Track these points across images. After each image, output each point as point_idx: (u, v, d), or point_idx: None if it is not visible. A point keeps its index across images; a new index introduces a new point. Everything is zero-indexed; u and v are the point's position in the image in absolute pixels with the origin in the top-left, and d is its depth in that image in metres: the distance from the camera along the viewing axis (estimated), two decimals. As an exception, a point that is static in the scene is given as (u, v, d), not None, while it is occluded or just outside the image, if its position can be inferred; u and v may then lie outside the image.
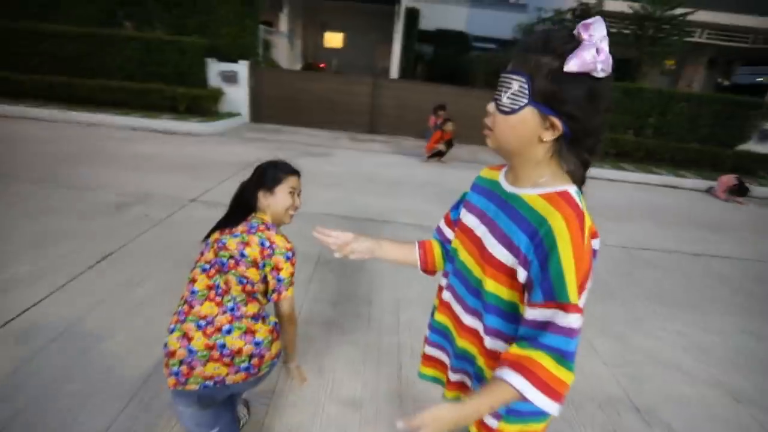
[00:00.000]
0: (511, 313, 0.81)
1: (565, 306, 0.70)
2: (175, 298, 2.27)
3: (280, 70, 8.89)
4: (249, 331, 1.22)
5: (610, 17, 9.51)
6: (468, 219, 0.94)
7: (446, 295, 0.99)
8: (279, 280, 1.29)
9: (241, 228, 1.30)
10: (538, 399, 0.70)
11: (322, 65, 13.07)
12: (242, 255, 1.26)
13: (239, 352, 1.20)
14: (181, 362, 1.16)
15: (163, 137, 6.46)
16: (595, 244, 0.75)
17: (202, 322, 1.19)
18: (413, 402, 1.83)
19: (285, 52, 11.29)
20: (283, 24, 11.34)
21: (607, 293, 3.07)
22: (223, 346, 1.18)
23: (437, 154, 6.65)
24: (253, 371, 1.22)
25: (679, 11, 8.49)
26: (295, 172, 1.43)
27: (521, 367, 0.71)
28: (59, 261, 2.62)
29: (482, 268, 0.84)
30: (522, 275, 0.76)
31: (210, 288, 1.25)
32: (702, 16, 9.32)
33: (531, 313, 0.74)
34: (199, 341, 1.17)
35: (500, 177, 0.90)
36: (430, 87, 8.58)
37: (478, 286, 0.86)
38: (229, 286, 1.26)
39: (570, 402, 1.92)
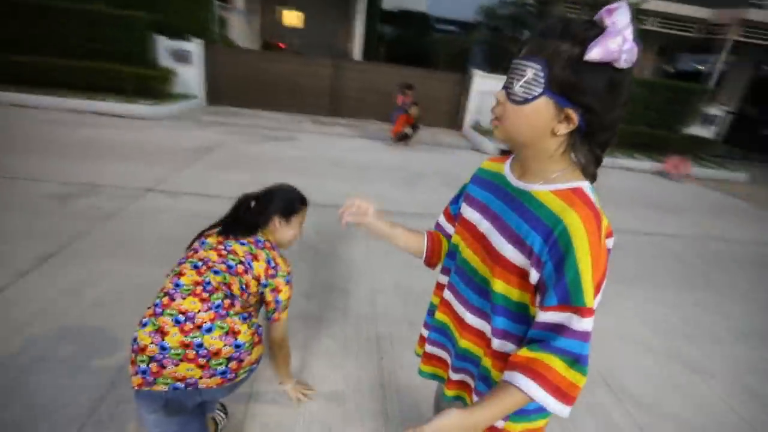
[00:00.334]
0: (520, 314, 0.79)
1: (580, 310, 0.68)
2: (135, 301, 2.13)
3: (238, 50, 8.39)
4: (231, 332, 1.14)
5: (567, 3, 9.73)
6: (469, 213, 0.90)
7: (447, 295, 0.95)
8: (277, 302, 1.29)
9: (247, 239, 1.29)
10: (550, 403, 0.68)
11: (281, 45, 12.53)
12: (250, 266, 1.24)
13: (217, 353, 1.11)
14: (150, 359, 1.07)
15: (111, 121, 5.96)
16: (609, 243, 0.72)
17: (181, 317, 1.10)
18: (397, 393, 1.82)
19: (241, 31, 10.69)
20: (239, 0, 10.70)
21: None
22: (200, 345, 1.09)
23: (403, 138, 6.60)
24: (229, 375, 1.15)
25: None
26: (308, 204, 1.48)
27: (532, 371, 0.69)
28: (-4, 262, 2.36)
29: (490, 268, 0.80)
30: (534, 277, 0.73)
31: (198, 284, 1.16)
32: (654, 5, 9.74)
33: (544, 317, 0.71)
34: (174, 337, 1.08)
35: (505, 170, 0.86)
36: (393, 69, 8.44)
37: (485, 286, 0.82)
38: (229, 287, 1.19)
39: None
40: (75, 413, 1.52)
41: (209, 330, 1.11)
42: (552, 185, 0.74)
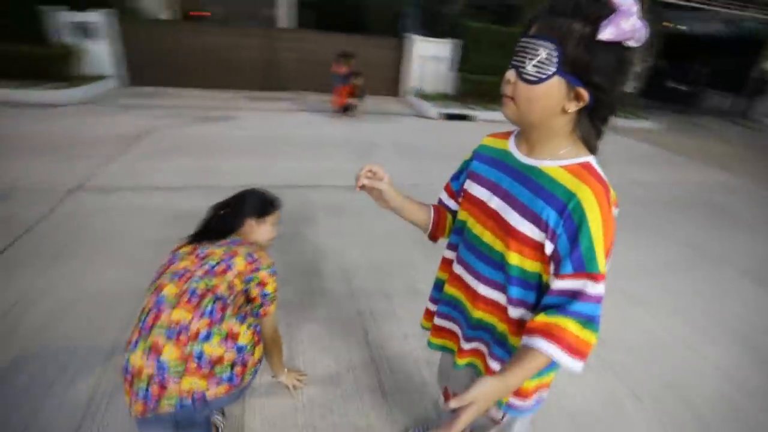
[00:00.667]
0: (534, 283, 0.83)
1: (594, 276, 0.73)
2: (95, 310, 1.95)
3: (154, 22, 7.51)
4: (230, 336, 1.10)
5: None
6: (477, 190, 0.91)
7: (458, 269, 0.97)
8: (264, 295, 1.25)
9: (221, 241, 1.25)
10: (567, 361, 0.74)
11: (204, 14, 11.44)
12: (230, 264, 1.18)
13: (220, 360, 1.07)
14: (150, 381, 1.00)
15: (12, 111, 5.16)
16: (615, 212, 0.77)
17: (174, 330, 1.03)
18: (389, 366, 1.87)
19: (158, 0, 9.55)
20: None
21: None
22: (201, 354, 1.04)
23: (347, 109, 6.44)
24: (236, 381, 1.11)
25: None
26: (281, 206, 1.46)
27: (551, 335, 0.74)
28: None
29: (505, 243, 0.83)
30: (549, 248, 0.77)
31: (182, 293, 1.09)
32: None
33: (560, 284, 0.75)
34: (171, 352, 1.01)
35: (510, 146, 0.87)
36: (328, 37, 8.07)
37: (500, 260, 0.85)
38: (216, 290, 1.13)
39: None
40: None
41: (207, 337, 1.06)
42: (561, 161, 0.78)
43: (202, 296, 1.10)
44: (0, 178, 3.28)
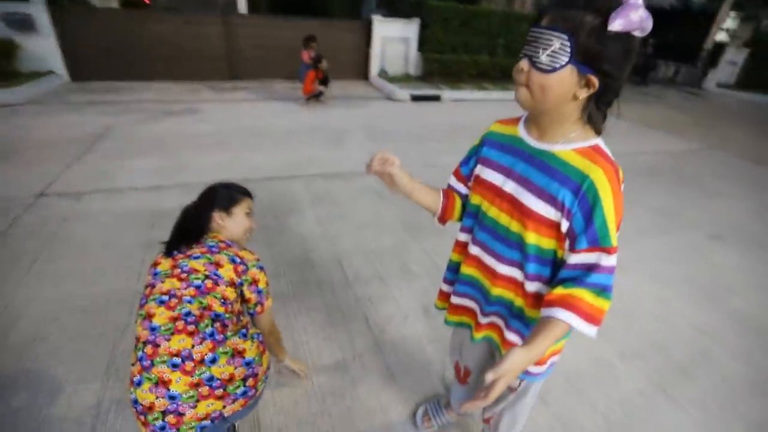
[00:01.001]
0: (549, 259, 0.89)
1: (608, 249, 0.79)
2: (81, 326, 1.87)
3: (96, 11, 6.97)
4: (237, 353, 1.09)
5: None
6: (489, 175, 0.95)
7: (475, 250, 1.01)
8: (259, 292, 1.24)
9: (198, 250, 1.19)
10: (584, 328, 0.80)
11: (146, 1, 10.73)
12: (217, 276, 1.14)
13: (231, 379, 1.06)
14: (164, 413, 0.99)
15: (-54, 116, 4.73)
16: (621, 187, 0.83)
17: (177, 360, 1.01)
18: (392, 348, 1.92)
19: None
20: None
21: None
22: (211, 378, 1.02)
23: (317, 96, 6.32)
24: (251, 393, 1.11)
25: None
26: (250, 194, 1.41)
27: (569, 305, 0.80)
28: None
29: (522, 224, 0.88)
30: (565, 226, 0.82)
31: (176, 319, 1.05)
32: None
33: (576, 258, 0.81)
34: (180, 383, 0.99)
35: (521, 132, 0.91)
36: (290, 22, 7.80)
37: (517, 240, 0.90)
38: (211, 309, 1.10)
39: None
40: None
41: (214, 360, 1.04)
42: (572, 144, 0.83)
43: (199, 318, 1.07)
44: (-51, 190, 3.04)
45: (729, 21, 13.24)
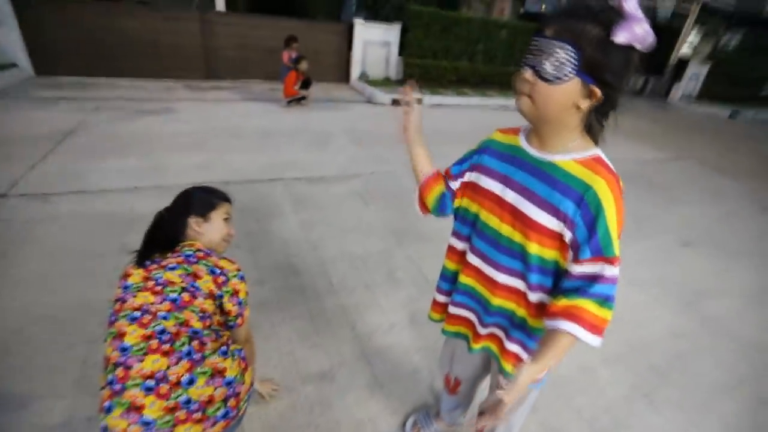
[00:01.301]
0: (551, 269, 0.89)
1: (611, 260, 0.79)
2: (49, 338, 1.75)
3: (63, 1, 6.65)
4: (217, 372, 1.02)
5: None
6: (487, 183, 0.94)
7: (474, 260, 1.00)
8: (239, 304, 1.17)
9: (174, 260, 1.11)
10: (589, 338, 0.80)
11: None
12: (195, 287, 1.07)
13: (210, 401, 0.99)
14: None
15: None
16: None
17: (151, 382, 0.94)
18: (379, 357, 1.89)
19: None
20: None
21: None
22: (188, 401, 0.96)
23: (299, 100, 6.22)
24: (232, 414, 1.05)
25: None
26: (228, 198, 1.34)
27: (572, 316, 0.80)
28: None
29: (524, 234, 0.87)
30: (567, 236, 0.82)
31: (149, 337, 0.98)
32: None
33: (579, 269, 0.81)
34: (154, 407, 0.92)
35: (521, 142, 0.91)
36: (271, 21, 7.67)
37: (519, 250, 0.89)
38: (188, 325, 1.03)
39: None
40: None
41: (191, 382, 0.97)
42: (572, 154, 0.83)
43: (175, 336, 1.00)
44: None
45: (693, 36, 13.96)
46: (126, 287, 1.08)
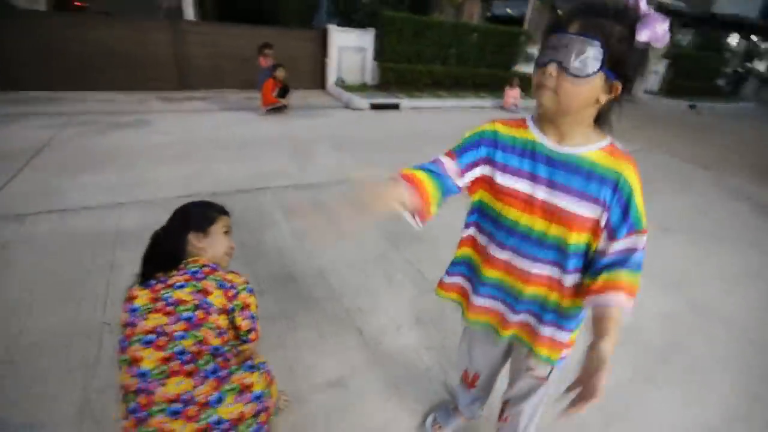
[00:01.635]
0: (585, 252, 0.92)
1: (642, 232, 0.85)
2: (33, 376, 1.66)
3: (21, 13, 6.35)
4: (245, 388, 1.00)
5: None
6: (513, 182, 0.94)
7: (502, 254, 1.00)
8: (251, 318, 1.15)
9: (180, 278, 1.08)
10: (629, 303, 0.84)
11: (78, 3, 9.99)
12: (207, 304, 1.04)
13: (241, 418, 0.97)
14: None
15: None
16: None
17: (178, 406, 0.91)
18: (391, 359, 1.88)
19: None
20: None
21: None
22: (219, 421, 0.93)
23: (279, 109, 6.15)
24: (264, 430, 1.03)
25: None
26: (226, 211, 1.32)
27: (618, 288, 0.84)
28: None
29: (564, 226, 0.90)
30: (603, 220, 0.86)
31: (168, 359, 0.95)
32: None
33: (617, 245, 0.86)
34: (184, 431, 0.89)
35: (536, 136, 0.92)
36: (243, 29, 7.57)
37: (556, 242, 0.92)
38: (207, 342, 1.00)
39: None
40: None
41: (220, 400, 0.95)
42: (593, 146, 0.88)
43: (197, 355, 0.97)
44: None
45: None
46: (133, 310, 1.04)
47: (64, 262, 2.34)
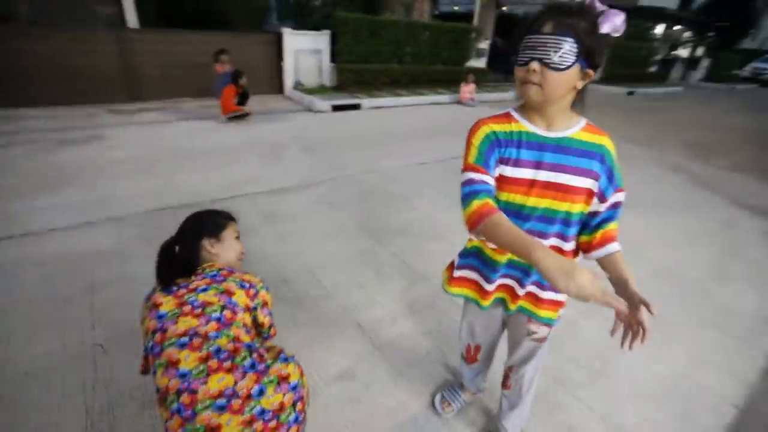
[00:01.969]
0: (581, 218, 1.07)
1: (622, 189, 1.04)
2: (23, 412, 1.59)
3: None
4: (282, 379, 1.06)
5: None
6: (516, 172, 1.03)
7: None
8: (270, 314, 1.23)
9: (201, 282, 1.13)
10: (619, 246, 1.04)
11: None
12: (233, 303, 1.10)
13: (281, 407, 1.02)
14: None
15: None
16: None
17: (222, 401, 0.94)
18: (390, 346, 1.97)
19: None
20: None
21: (455, 200, 3.75)
22: (263, 411, 0.98)
23: (240, 117, 6.02)
24: (301, 418, 1.09)
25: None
26: (234, 218, 1.38)
27: (613, 238, 1.04)
28: None
29: (567, 200, 1.02)
30: (595, 188, 1.02)
31: (206, 359, 0.99)
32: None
33: (606, 203, 1.04)
34: (231, 424, 0.93)
35: (526, 126, 1.02)
36: (192, 36, 7.32)
37: (561, 216, 1.05)
38: (240, 340, 1.06)
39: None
40: None
41: (261, 392, 1.00)
42: (576, 127, 1.02)
43: (234, 352, 1.02)
44: None
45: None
46: (160, 316, 1.06)
47: (38, 288, 2.22)
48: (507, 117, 1.06)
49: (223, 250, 1.26)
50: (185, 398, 0.93)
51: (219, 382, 0.96)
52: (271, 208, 3.36)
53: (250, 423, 0.95)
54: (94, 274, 2.33)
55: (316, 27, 8.69)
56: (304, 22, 9.14)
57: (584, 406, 1.72)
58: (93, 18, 8.16)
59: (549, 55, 0.88)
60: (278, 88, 8.58)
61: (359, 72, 8.64)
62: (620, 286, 0.95)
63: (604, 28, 0.89)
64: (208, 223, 1.28)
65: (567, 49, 0.87)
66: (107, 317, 2.03)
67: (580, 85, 0.95)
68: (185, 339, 1.00)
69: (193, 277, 1.14)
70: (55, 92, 6.31)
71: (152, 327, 1.05)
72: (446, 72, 9.85)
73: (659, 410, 1.73)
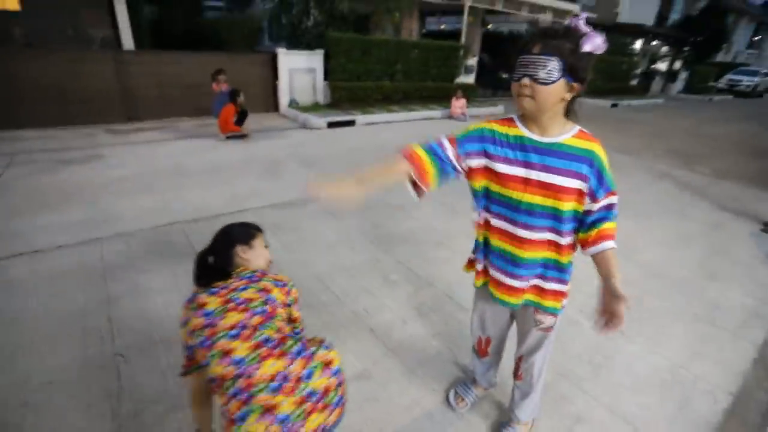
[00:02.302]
0: (574, 216, 1.18)
1: (614, 192, 1.15)
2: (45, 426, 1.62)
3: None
4: (326, 364, 1.15)
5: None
6: (511, 170, 1.18)
7: (507, 226, 1.25)
8: (299, 311, 1.31)
9: (239, 282, 1.22)
10: (615, 244, 1.15)
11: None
12: (272, 299, 1.20)
13: (327, 390, 1.11)
14: None
15: None
16: None
17: (276, 383, 1.03)
18: (402, 347, 2.05)
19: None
20: None
21: (451, 209, 3.87)
22: (312, 392, 1.07)
23: (240, 137, 6.13)
24: (343, 401, 1.17)
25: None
26: (261, 229, 1.45)
27: (608, 236, 1.15)
28: None
29: (556, 199, 1.15)
30: (585, 188, 1.14)
31: (257, 347, 1.08)
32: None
33: (599, 204, 1.15)
34: (286, 404, 1.02)
35: (524, 132, 1.17)
36: (188, 57, 7.48)
37: (551, 211, 1.17)
38: (283, 331, 1.15)
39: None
40: None
41: (309, 375, 1.08)
42: (568, 134, 1.15)
43: (282, 340, 1.11)
44: None
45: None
46: (207, 314, 1.14)
47: (53, 302, 2.27)
48: (510, 122, 1.22)
49: (254, 257, 1.34)
50: (241, 382, 1.01)
51: (272, 366, 1.04)
52: (275, 220, 3.44)
53: (300, 404, 1.03)
54: (108, 287, 2.38)
55: (309, 46, 8.92)
56: (298, 41, 9.36)
57: (590, 397, 1.82)
58: (89, 40, 8.30)
59: (537, 72, 1.04)
60: (274, 107, 8.74)
61: (352, 89, 8.85)
62: (605, 279, 1.11)
63: (586, 48, 1.02)
64: (239, 232, 1.37)
65: (552, 67, 1.02)
66: (126, 327, 2.08)
67: (568, 96, 1.09)
68: (234, 331, 1.09)
69: (230, 280, 1.23)
70: (52, 113, 6.37)
71: (200, 324, 1.12)
72: (436, 88, 10.13)
73: (660, 398, 1.83)
